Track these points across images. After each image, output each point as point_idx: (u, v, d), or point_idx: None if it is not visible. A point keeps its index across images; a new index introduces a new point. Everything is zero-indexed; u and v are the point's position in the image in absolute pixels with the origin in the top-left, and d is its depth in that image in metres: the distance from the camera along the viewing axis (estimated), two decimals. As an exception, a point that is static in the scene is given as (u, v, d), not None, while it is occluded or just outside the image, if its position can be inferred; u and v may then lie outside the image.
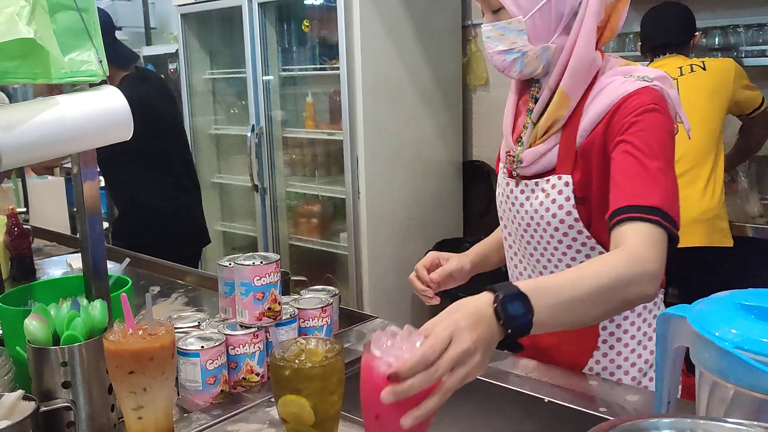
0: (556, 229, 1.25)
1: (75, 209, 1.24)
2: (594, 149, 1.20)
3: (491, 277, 1.54)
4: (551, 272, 1.32)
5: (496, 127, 1.43)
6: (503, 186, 1.37)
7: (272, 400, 1.15)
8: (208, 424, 1.15)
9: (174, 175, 3.02)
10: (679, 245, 2.74)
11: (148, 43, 6.01)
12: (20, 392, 0.98)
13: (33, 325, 1.05)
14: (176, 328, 1.24)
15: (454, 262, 1.43)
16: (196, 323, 1.32)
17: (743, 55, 2.93)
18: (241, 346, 1.24)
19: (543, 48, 1.23)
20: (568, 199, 1.23)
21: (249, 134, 3.73)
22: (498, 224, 1.46)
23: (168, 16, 6.07)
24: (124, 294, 1.10)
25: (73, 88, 1.12)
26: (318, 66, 3.71)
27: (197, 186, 3.21)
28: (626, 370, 1.30)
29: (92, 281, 1.20)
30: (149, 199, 2.93)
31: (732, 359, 0.71)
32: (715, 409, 0.75)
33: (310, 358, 0.97)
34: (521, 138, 1.32)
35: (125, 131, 1.13)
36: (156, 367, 0.99)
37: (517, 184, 1.32)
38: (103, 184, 3.03)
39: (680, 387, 1.29)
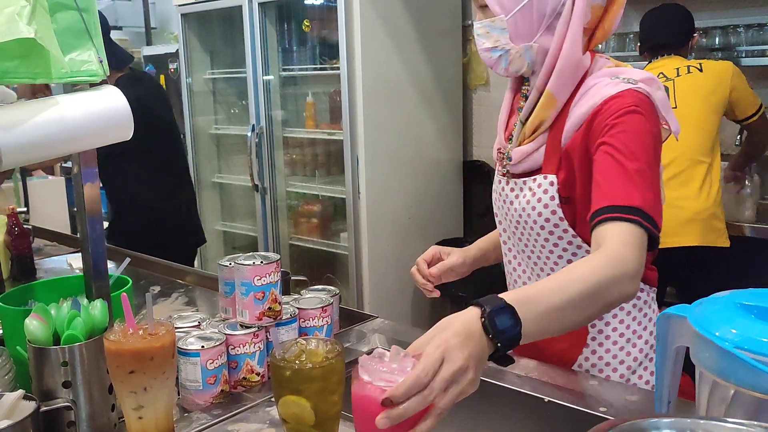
0: (542, 227, 1.27)
1: (75, 209, 1.24)
2: (576, 151, 1.22)
3: (491, 272, 1.55)
4: (541, 268, 1.33)
5: (496, 127, 1.44)
6: (497, 183, 1.40)
7: (272, 399, 1.15)
8: (208, 424, 1.15)
9: (168, 175, 3.04)
10: (676, 244, 2.75)
11: (149, 42, 6.01)
12: (21, 392, 0.99)
13: (33, 324, 1.05)
14: (176, 327, 1.24)
15: (454, 257, 1.46)
16: (196, 323, 1.32)
17: (743, 55, 2.93)
18: (241, 345, 1.24)
19: (526, 47, 1.25)
20: (552, 198, 1.25)
21: (249, 134, 3.73)
22: None
23: (168, 15, 6.07)
24: (125, 294, 1.10)
25: (74, 87, 1.12)
26: (318, 66, 3.71)
27: (192, 186, 3.24)
28: (614, 368, 1.31)
29: (92, 281, 1.20)
30: (144, 200, 2.94)
31: (732, 359, 0.71)
32: (716, 409, 0.75)
33: (310, 358, 0.97)
34: (512, 136, 1.34)
35: (126, 131, 1.13)
36: (156, 367, 0.99)
37: (507, 182, 1.35)
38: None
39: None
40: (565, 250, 1.28)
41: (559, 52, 1.23)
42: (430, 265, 1.46)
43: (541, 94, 1.27)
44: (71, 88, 1.12)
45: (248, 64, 3.70)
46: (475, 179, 3.81)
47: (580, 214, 1.24)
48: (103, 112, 1.10)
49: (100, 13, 1.21)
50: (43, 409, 0.99)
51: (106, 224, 3.10)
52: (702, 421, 0.68)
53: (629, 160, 1.11)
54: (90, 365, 1.06)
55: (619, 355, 1.31)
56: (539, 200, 1.26)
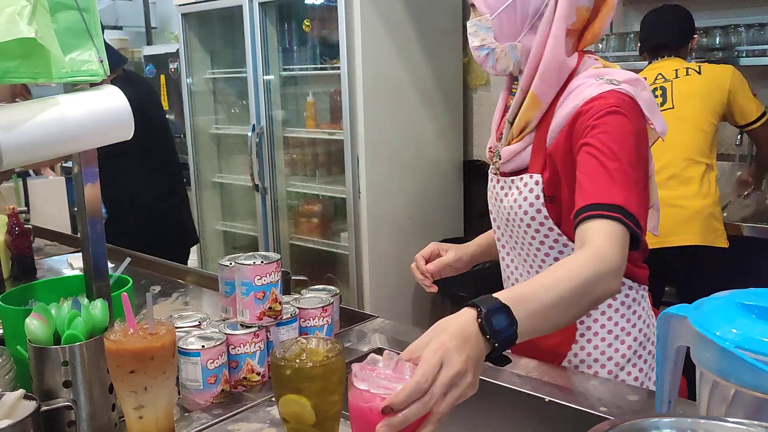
0: (528, 225, 1.30)
1: (75, 209, 1.24)
2: (560, 151, 1.24)
3: (491, 272, 1.55)
4: (531, 265, 1.36)
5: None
6: (489, 181, 1.42)
7: (273, 399, 1.15)
8: (208, 424, 1.15)
9: (164, 175, 3.07)
10: (675, 244, 2.75)
11: (149, 42, 6.02)
12: (21, 391, 0.99)
13: (34, 324, 1.05)
14: (177, 327, 1.24)
15: (451, 253, 1.50)
16: (196, 323, 1.32)
17: (743, 55, 2.93)
18: (241, 345, 1.24)
19: (510, 46, 1.28)
20: (538, 197, 1.27)
21: (250, 134, 3.73)
22: None
23: (169, 15, 6.08)
24: (125, 293, 1.10)
25: (74, 87, 1.12)
26: (318, 66, 3.71)
27: (185, 186, 3.28)
28: (603, 364, 1.33)
29: (93, 281, 1.20)
30: (142, 200, 2.96)
31: (733, 359, 0.71)
32: (716, 409, 0.75)
33: (311, 357, 0.97)
34: (503, 135, 1.37)
35: (126, 131, 1.13)
36: (157, 367, 0.99)
37: (498, 181, 1.37)
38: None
39: None
40: (551, 247, 1.30)
41: (542, 52, 1.25)
42: (428, 261, 1.50)
43: (526, 94, 1.29)
44: (71, 87, 1.12)
45: (249, 63, 3.70)
46: (476, 179, 3.81)
47: (566, 214, 1.25)
48: (104, 111, 1.10)
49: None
50: (44, 408, 1.00)
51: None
52: (702, 421, 0.68)
53: (610, 160, 1.13)
54: (90, 365, 1.06)
55: (607, 351, 1.32)
56: (525, 199, 1.29)
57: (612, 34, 3.30)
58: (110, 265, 1.25)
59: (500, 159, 1.35)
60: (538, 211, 1.27)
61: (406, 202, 3.55)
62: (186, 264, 3.17)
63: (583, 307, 1.03)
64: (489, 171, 1.43)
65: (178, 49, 4.34)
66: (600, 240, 1.05)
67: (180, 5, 4.03)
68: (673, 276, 2.69)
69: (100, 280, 1.21)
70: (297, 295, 1.45)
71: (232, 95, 4.30)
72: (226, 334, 1.23)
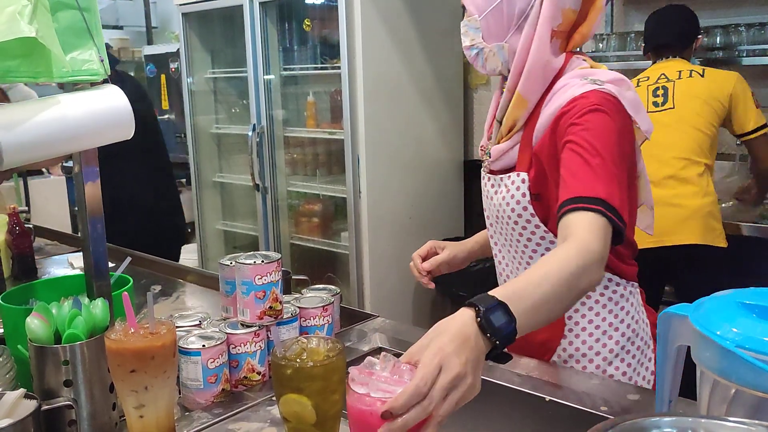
0: (516, 222, 1.33)
1: (76, 208, 1.24)
2: (545, 150, 1.26)
3: (491, 271, 1.55)
4: (519, 262, 1.38)
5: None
6: (481, 179, 1.46)
7: (273, 398, 1.15)
8: (209, 423, 1.15)
9: (154, 176, 3.09)
10: (674, 242, 2.75)
11: (150, 42, 6.02)
12: (22, 391, 0.99)
13: (34, 323, 1.05)
14: (177, 326, 1.24)
15: (447, 251, 1.55)
16: (197, 322, 1.32)
17: (744, 55, 2.92)
18: (242, 344, 1.24)
19: (498, 46, 1.30)
20: (524, 195, 1.30)
21: (250, 133, 3.73)
22: None
23: (169, 15, 6.08)
24: (126, 293, 1.10)
25: (75, 87, 1.12)
26: (319, 65, 3.71)
27: (176, 187, 3.33)
28: (591, 359, 1.34)
29: (94, 280, 1.20)
30: (133, 200, 2.97)
31: (733, 358, 0.71)
32: (717, 408, 0.75)
33: (311, 357, 0.97)
34: (493, 134, 1.40)
35: (127, 130, 1.13)
36: (157, 366, 0.99)
37: (489, 179, 1.41)
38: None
39: (653, 378, 1.34)
40: (538, 244, 1.33)
41: (527, 53, 1.27)
42: (426, 259, 1.55)
43: (513, 94, 1.31)
44: (72, 87, 1.13)
45: (249, 63, 3.70)
46: (476, 179, 3.76)
47: (552, 211, 1.27)
48: (105, 111, 1.10)
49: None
50: (45, 407, 1.00)
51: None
52: (703, 420, 0.68)
53: (592, 156, 1.15)
54: (91, 364, 1.06)
55: (595, 346, 1.34)
56: (512, 196, 1.31)
57: (613, 33, 3.30)
58: (110, 264, 1.25)
59: (490, 157, 1.38)
60: (525, 208, 1.30)
61: (407, 202, 3.55)
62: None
63: (572, 299, 1.04)
64: (481, 169, 1.46)
65: (178, 49, 4.34)
66: (583, 232, 1.07)
67: (180, 5, 4.03)
68: (672, 275, 2.68)
69: (100, 279, 1.21)
70: (297, 295, 1.45)
71: (232, 95, 4.30)
72: (226, 333, 1.23)
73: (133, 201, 2.97)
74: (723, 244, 2.55)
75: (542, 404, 1.20)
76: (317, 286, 1.52)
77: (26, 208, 3.03)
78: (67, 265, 2.28)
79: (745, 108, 2.58)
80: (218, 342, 1.20)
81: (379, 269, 3.44)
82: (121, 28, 6.42)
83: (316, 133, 3.76)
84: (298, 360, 0.96)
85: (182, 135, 4.56)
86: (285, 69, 3.81)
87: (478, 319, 0.88)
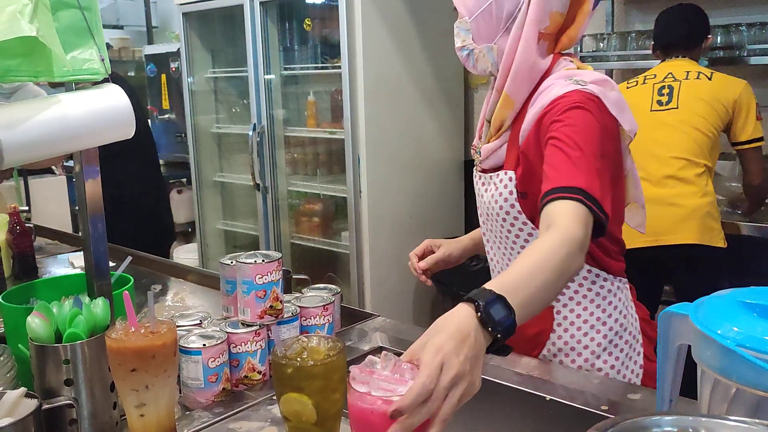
0: (504, 219, 1.36)
1: (77, 207, 1.24)
2: (531, 148, 1.29)
3: (489, 270, 1.56)
4: (509, 258, 1.41)
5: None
6: (474, 177, 1.49)
7: (274, 398, 1.15)
8: (209, 422, 1.15)
9: (145, 175, 3.10)
10: (672, 242, 2.74)
11: (150, 41, 6.02)
12: (23, 390, 0.99)
13: (35, 322, 1.05)
14: (178, 326, 1.24)
15: (443, 249, 1.60)
16: (197, 321, 1.32)
17: (748, 54, 2.90)
18: (242, 344, 1.24)
19: (487, 47, 1.34)
20: (511, 193, 1.33)
21: (250, 133, 3.73)
22: None
23: (170, 14, 6.08)
24: (127, 292, 1.10)
25: (76, 86, 1.12)
26: (319, 65, 3.70)
27: (165, 186, 3.42)
28: (579, 352, 1.37)
29: (94, 279, 1.21)
30: (125, 199, 2.98)
31: (734, 357, 0.71)
32: (717, 407, 0.75)
33: (312, 356, 0.97)
34: (483, 133, 1.44)
35: (128, 129, 1.13)
36: (158, 365, 1.00)
37: (480, 177, 1.44)
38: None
39: (641, 371, 1.37)
40: (526, 240, 1.36)
41: (514, 54, 1.31)
42: (423, 257, 1.59)
43: (500, 94, 1.34)
44: (73, 86, 1.13)
45: (249, 63, 3.70)
46: (476, 178, 3.80)
47: (538, 209, 1.28)
48: (106, 110, 1.10)
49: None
50: (45, 406, 1.00)
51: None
52: (704, 419, 0.68)
53: (573, 149, 1.17)
54: (92, 363, 1.06)
55: (583, 340, 1.36)
56: (501, 194, 1.35)
57: (613, 33, 3.30)
58: (111, 264, 1.25)
59: (480, 156, 1.41)
60: (512, 206, 1.33)
61: (407, 202, 3.55)
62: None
63: (561, 287, 1.06)
64: (473, 168, 1.49)
65: (179, 49, 4.34)
66: (565, 220, 1.09)
67: (181, 4, 4.03)
68: (671, 275, 2.68)
69: (101, 278, 1.21)
70: (298, 294, 1.45)
71: (233, 94, 4.30)
72: (227, 332, 1.23)
73: (125, 199, 2.98)
74: (722, 244, 2.54)
75: (543, 403, 1.20)
76: (318, 285, 1.52)
77: (27, 208, 3.03)
78: (67, 264, 2.28)
79: (746, 118, 2.57)
80: (219, 341, 1.20)
81: (379, 269, 3.44)
82: (121, 27, 6.41)
83: (316, 132, 3.76)
84: (298, 359, 0.96)
85: (183, 135, 4.55)
86: (285, 68, 3.81)
87: (478, 314, 0.88)
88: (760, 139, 2.61)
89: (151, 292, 1.06)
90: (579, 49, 3.31)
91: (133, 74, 6.03)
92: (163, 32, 6.22)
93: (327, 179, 3.83)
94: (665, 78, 2.63)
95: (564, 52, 1.36)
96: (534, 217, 1.31)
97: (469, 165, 3.86)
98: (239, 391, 1.25)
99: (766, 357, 0.69)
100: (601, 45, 3.27)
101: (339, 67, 3.31)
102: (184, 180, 4.94)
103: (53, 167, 3.71)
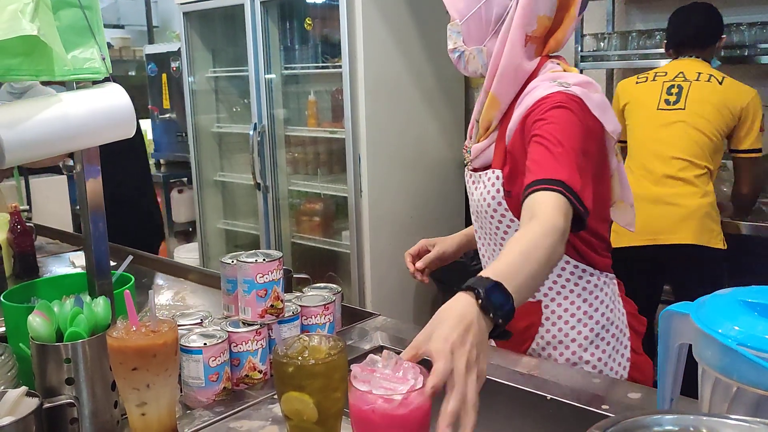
0: (492, 216, 1.40)
1: (77, 207, 1.24)
2: (517, 148, 1.33)
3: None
4: (498, 254, 1.41)
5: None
6: (465, 176, 1.53)
7: (275, 397, 1.16)
8: (210, 421, 1.15)
9: (135, 174, 3.11)
10: (670, 241, 2.74)
11: (151, 41, 6.02)
12: (24, 388, 0.99)
13: (36, 321, 1.05)
14: (179, 325, 1.25)
15: (437, 248, 1.65)
16: (198, 320, 1.32)
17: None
18: (243, 343, 1.24)
19: (477, 50, 1.39)
20: (498, 191, 1.37)
21: (251, 132, 3.73)
22: None
23: (170, 14, 6.08)
24: (128, 291, 1.10)
25: (77, 85, 1.12)
26: (320, 64, 3.70)
27: (153, 185, 3.43)
28: (567, 345, 1.40)
29: (95, 278, 1.21)
30: (117, 198, 2.99)
31: (735, 356, 0.71)
32: (718, 406, 0.75)
33: (313, 354, 0.97)
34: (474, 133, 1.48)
35: (129, 128, 1.13)
36: (159, 364, 1.00)
37: (470, 176, 1.48)
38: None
39: (629, 364, 1.41)
40: None
41: (501, 56, 1.35)
42: (419, 256, 1.64)
43: (488, 95, 1.39)
44: (74, 85, 1.13)
45: (250, 62, 3.70)
46: (477, 178, 3.80)
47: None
48: (106, 109, 1.10)
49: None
50: (46, 405, 1.00)
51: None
52: (704, 418, 0.68)
53: (554, 146, 1.21)
54: (93, 362, 1.06)
55: (571, 333, 1.40)
56: (488, 192, 1.39)
57: (614, 32, 3.30)
58: (112, 263, 1.25)
59: (471, 155, 1.45)
60: (499, 203, 1.37)
61: (408, 201, 3.55)
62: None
63: (546, 275, 1.10)
64: (465, 167, 1.52)
65: (179, 48, 4.34)
66: (547, 210, 1.12)
67: (181, 4, 4.03)
68: (670, 274, 2.68)
69: (102, 277, 1.21)
70: (299, 293, 1.45)
71: (233, 94, 4.30)
72: (228, 331, 1.23)
73: (116, 198, 2.99)
74: (721, 245, 2.54)
75: (543, 403, 1.21)
76: (318, 284, 1.52)
77: (27, 207, 3.03)
78: (68, 263, 2.28)
79: (750, 127, 2.56)
80: (220, 340, 1.20)
81: (380, 268, 3.44)
82: (122, 27, 6.41)
83: (317, 132, 3.76)
84: (299, 358, 0.96)
85: (183, 134, 4.55)
86: (286, 68, 3.81)
87: (479, 301, 0.91)
88: (758, 151, 2.61)
89: (152, 291, 1.06)
90: (580, 48, 3.31)
91: (133, 74, 6.02)
92: (163, 32, 6.22)
93: (327, 179, 3.83)
94: (676, 77, 2.61)
95: (552, 54, 1.40)
96: (520, 216, 1.33)
97: (469, 164, 3.86)
98: (240, 390, 1.25)
99: (767, 356, 0.69)
100: (602, 44, 3.27)
101: (340, 67, 3.31)
102: (185, 179, 4.94)
103: (61, 164, 3.72)
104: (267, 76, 3.70)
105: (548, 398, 1.20)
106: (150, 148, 5.21)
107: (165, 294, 1.94)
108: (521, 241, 1.07)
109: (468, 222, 4.19)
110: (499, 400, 1.25)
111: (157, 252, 3.32)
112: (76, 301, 1.11)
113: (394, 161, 3.45)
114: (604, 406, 1.15)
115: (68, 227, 3.25)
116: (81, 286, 1.26)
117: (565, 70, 1.36)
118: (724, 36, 2.72)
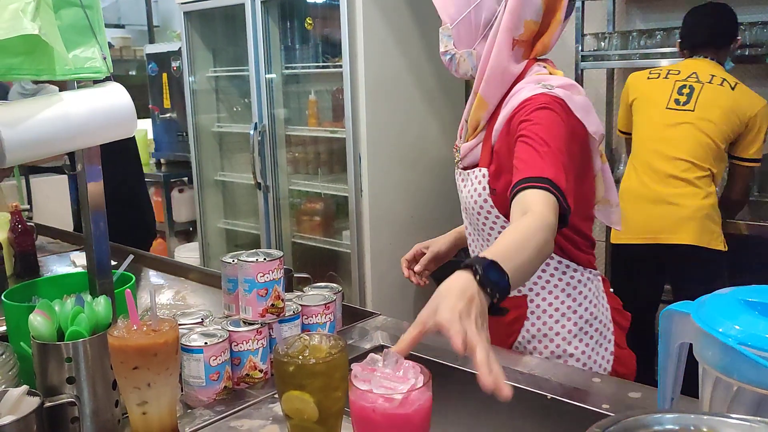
0: (479, 213, 1.45)
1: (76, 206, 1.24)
2: (503, 148, 1.38)
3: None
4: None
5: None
6: (455, 174, 1.58)
7: (275, 396, 1.16)
8: (211, 420, 1.15)
9: (128, 173, 3.11)
10: (671, 241, 2.74)
11: (151, 41, 6.01)
12: (25, 387, 0.99)
13: (37, 320, 1.05)
14: (180, 324, 1.25)
15: (431, 250, 1.70)
16: (199, 320, 1.32)
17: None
18: (244, 342, 1.24)
19: (467, 53, 1.44)
20: (484, 188, 1.42)
21: (252, 132, 3.73)
22: None
23: (171, 13, 6.08)
24: (129, 290, 1.10)
25: (78, 84, 1.13)
26: (321, 64, 3.70)
27: (146, 184, 3.46)
28: (551, 338, 1.44)
29: (96, 278, 1.21)
30: (112, 197, 3.01)
31: (735, 355, 0.71)
32: (719, 405, 0.75)
33: (313, 354, 0.97)
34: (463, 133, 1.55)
35: (130, 128, 1.13)
36: (160, 363, 1.00)
37: (459, 174, 1.54)
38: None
39: (612, 357, 1.45)
40: (499, 233, 1.44)
41: (489, 59, 1.40)
42: (416, 260, 1.70)
43: (476, 96, 1.44)
44: (75, 85, 1.13)
45: (251, 62, 3.70)
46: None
47: (506, 204, 1.36)
48: (107, 108, 1.10)
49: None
50: (47, 404, 1.00)
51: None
52: (705, 417, 0.68)
53: (540, 145, 1.25)
54: (94, 361, 1.06)
55: (555, 327, 1.44)
56: (475, 190, 1.44)
57: (614, 32, 3.29)
58: (113, 262, 1.25)
59: (460, 154, 1.51)
60: (485, 200, 1.42)
61: (408, 201, 3.55)
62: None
63: (538, 266, 1.14)
64: (455, 166, 1.57)
65: (180, 48, 4.34)
66: (539, 206, 1.16)
67: (182, 3, 4.03)
68: (670, 274, 2.68)
69: (103, 277, 1.21)
70: (299, 293, 1.46)
71: (234, 93, 4.30)
72: (228, 331, 1.23)
73: (110, 198, 3.01)
74: (721, 247, 2.53)
75: (544, 402, 1.21)
76: (319, 284, 1.52)
77: (28, 207, 3.04)
78: (69, 263, 2.28)
79: (755, 137, 2.55)
80: (220, 339, 1.20)
81: (380, 268, 3.44)
82: (123, 26, 6.41)
83: (317, 131, 3.76)
84: (300, 357, 0.96)
85: (184, 134, 4.55)
86: (287, 68, 3.81)
87: (477, 277, 0.95)
88: (758, 161, 2.61)
89: (153, 290, 1.06)
90: (580, 48, 3.31)
91: (134, 73, 6.02)
92: (164, 31, 6.21)
93: (328, 178, 3.83)
94: (689, 77, 2.59)
95: (540, 57, 1.44)
96: (506, 213, 1.37)
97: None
98: (241, 389, 1.25)
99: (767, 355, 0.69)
100: (603, 44, 3.27)
101: (340, 67, 3.31)
102: (186, 179, 4.94)
103: (63, 164, 3.76)
104: (267, 76, 3.70)
105: (549, 398, 1.20)
106: (150, 148, 5.21)
107: (166, 293, 1.94)
108: (516, 232, 1.11)
109: (468, 221, 4.16)
110: (499, 400, 1.24)
111: (149, 250, 3.34)
112: (77, 301, 1.11)
113: (394, 161, 3.45)
114: (604, 406, 1.15)
115: (69, 227, 3.25)
116: (82, 285, 1.26)
117: (551, 73, 1.40)
118: (738, 38, 2.69)
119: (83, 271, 1.28)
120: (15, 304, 1.19)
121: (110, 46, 3.93)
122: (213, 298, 1.86)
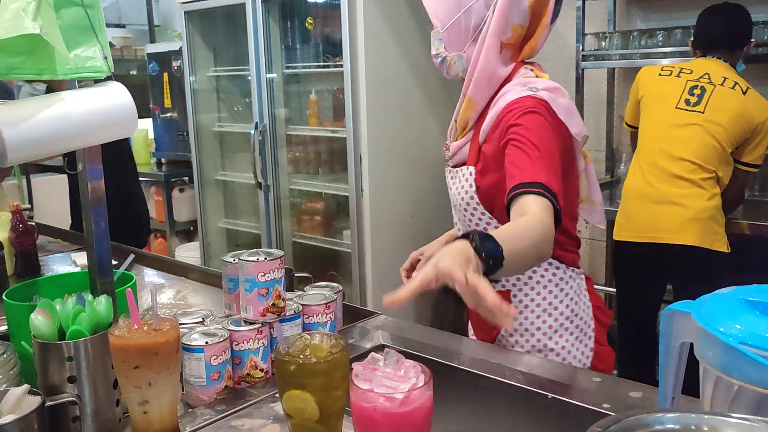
0: (465, 209, 1.50)
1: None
2: (489, 148, 1.43)
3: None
4: None
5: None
6: (445, 172, 1.62)
7: (276, 395, 1.16)
8: (212, 420, 1.15)
9: (124, 172, 3.13)
10: (674, 241, 2.74)
11: (152, 40, 6.02)
12: (26, 387, 0.99)
13: (39, 320, 1.06)
14: (181, 323, 1.25)
15: (425, 255, 1.69)
16: (200, 319, 1.32)
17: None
18: (245, 341, 1.24)
19: (458, 55, 1.49)
20: (471, 186, 1.47)
21: (252, 132, 3.73)
22: None
23: (172, 13, 6.08)
24: (130, 289, 1.10)
25: (79, 84, 1.13)
26: (321, 63, 3.70)
27: (140, 183, 3.48)
28: (532, 333, 1.50)
29: (97, 277, 1.21)
30: (114, 194, 3.03)
31: (736, 355, 0.71)
32: (720, 405, 0.75)
33: (314, 353, 0.97)
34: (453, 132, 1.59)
35: (130, 127, 1.13)
36: (161, 362, 1.00)
37: (449, 172, 1.58)
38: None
39: (592, 353, 1.50)
40: (485, 229, 1.49)
41: (477, 62, 1.45)
42: (413, 267, 1.70)
43: (465, 97, 1.50)
44: (76, 84, 1.13)
45: (251, 61, 3.70)
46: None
47: (495, 201, 1.44)
48: (108, 108, 1.10)
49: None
50: (49, 403, 1.00)
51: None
52: (706, 417, 0.68)
53: (531, 149, 1.30)
54: (95, 360, 1.06)
55: (536, 322, 1.49)
56: (462, 187, 1.49)
57: (615, 32, 3.29)
58: (113, 261, 1.25)
59: (449, 153, 1.56)
60: (472, 197, 1.47)
61: (409, 200, 3.55)
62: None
63: (532, 263, 1.20)
64: (446, 164, 1.61)
65: (181, 47, 4.34)
66: (538, 210, 1.21)
67: (183, 3, 4.03)
68: (671, 274, 2.68)
69: (104, 276, 1.21)
70: (300, 292, 1.46)
71: (235, 93, 4.30)
72: (229, 330, 1.23)
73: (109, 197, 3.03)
74: (724, 249, 2.53)
75: (544, 402, 1.21)
76: (320, 283, 1.52)
77: (29, 206, 3.04)
78: (70, 262, 2.29)
79: (759, 143, 2.55)
80: (221, 339, 1.20)
81: (381, 267, 3.44)
82: (123, 26, 6.41)
83: (318, 131, 3.75)
84: (301, 356, 0.96)
85: (185, 133, 4.55)
86: (287, 67, 3.81)
87: (473, 244, 1.01)
88: (757, 167, 2.61)
89: (154, 290, 1.06)
90: (581, 47, 3.30)
91: (135, 73, 6.02)
92: (165, 31, 6.22)
93: (329, 178, 3.83)
94: (701, 77, 2.58)
95: (527, 60, 1.49)
96: (492, 209, 1.46)
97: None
98: (241, 388, 1.25)
99: (769, 354, 0.69)
100: (603, 44, 3.27)
101: (341, 66, 3.31)
102: (186, 178, 4.94)
103: (63, 163, 3.81)
104: (268, 76, 3.70)
105: (549, 397, 1.21)
106: (151, 147, 5.21)
107: (166, 293, 1.94)
108: (514, 224, 1.17)
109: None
110: (499, 399, 1.25)
111: (143, 247, 3.38)
112: (78, 300, 1.11)
113: (395, 160, 3.45)
114: (605, 405, 1.15)
115: (69, 226, 3.26)
116: (83, 284, 1.26)
117: (537, 76, 1.45)
118: (752, 40, 2.67)
119: (84, 270, 1.28)
120: (16, 304, 1.19)
121: (111, 45, 3.93)
122: (214, 297, 1.86)
